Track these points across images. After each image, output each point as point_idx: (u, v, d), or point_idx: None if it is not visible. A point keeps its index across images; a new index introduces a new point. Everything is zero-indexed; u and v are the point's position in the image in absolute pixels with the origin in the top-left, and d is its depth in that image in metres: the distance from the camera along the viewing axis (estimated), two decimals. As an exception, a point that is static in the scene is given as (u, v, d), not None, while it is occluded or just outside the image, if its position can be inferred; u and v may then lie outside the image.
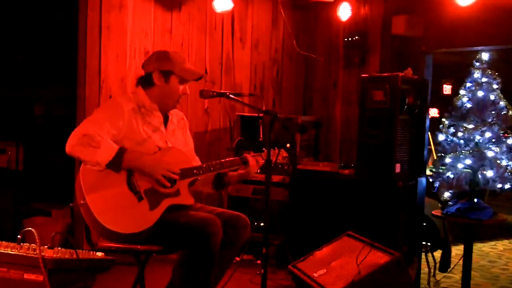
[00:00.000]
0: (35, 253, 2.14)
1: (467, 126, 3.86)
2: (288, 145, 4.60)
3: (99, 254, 2.44)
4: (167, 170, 2.66)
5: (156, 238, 2.65)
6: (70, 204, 2.56)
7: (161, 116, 2.86)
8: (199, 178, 2.90)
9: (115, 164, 2.55)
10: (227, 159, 2.93)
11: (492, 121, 3.84)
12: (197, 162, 2.98)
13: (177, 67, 2.81)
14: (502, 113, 3.87)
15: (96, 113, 2.72)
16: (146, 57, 2.98)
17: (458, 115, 3.95)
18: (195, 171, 2.79)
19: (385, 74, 3.93)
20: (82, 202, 2.52)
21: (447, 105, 4.11)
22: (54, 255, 2.17)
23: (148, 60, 2.89)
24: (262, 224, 3.77)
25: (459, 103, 3.97)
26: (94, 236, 2.80)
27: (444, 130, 3.99)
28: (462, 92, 3.99)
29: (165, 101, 2.84)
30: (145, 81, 2.84)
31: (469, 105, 3.92)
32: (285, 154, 3.00)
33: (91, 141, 2.51)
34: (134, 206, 2.61)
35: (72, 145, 2.54)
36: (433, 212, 4.05)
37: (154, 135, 2.78)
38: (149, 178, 2.66)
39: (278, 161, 2.94)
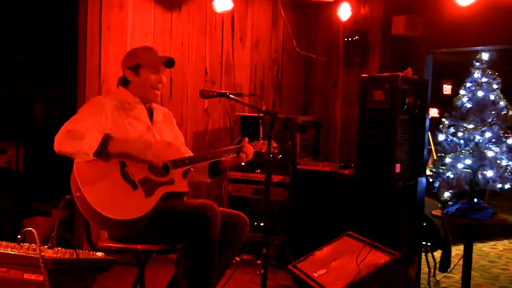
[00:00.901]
0: (35, 253, 2.14)
1: (467, 126, 3.87)
2: (288, 144, 4.62)
3: (99, 254, 2.44)
4: (158, 154, 2.65)
5: (154, 228, 2.66)
6: (67, 197, 2.55)
7: (145, 109, 2.90)
8: (191, 169, 2.90)
9: (102, 151, 2.55)
10: (220, 149, 2.95)
11: (492, 121, 3.84)
12: (189, 155, 2.98)
13: (142, 58, 2.87)
14: (502, 113, 3.87)
15: (79, 112, 2.74)
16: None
17: (458, 115, 3.95)
18: (187, 160, 2.81)
19: (385, 74, 3.93)
20: (78, 194, 2.52)
21: (447, 105, 4.11)
22: (54, 255, 2.17)
23: (121, 62, 2.96)
24: (262, 224, 3.77)
25: (459, 103, 3.97)
26: (94, 236, 2.80)
27: (444, 130, 3.99)
28: (462, 92, 3.99)
29: (142, 94, 2.88)
30: (123, 82, 2.93)
31: (469, 105, 3.92)
32: (275, 144, 3.01)
33: (76, 135, 2.53)
34: (129, 194, 2.61)
35: (58, 142, 2.55)
36: (433, 212, 4.05)
37: (141, 129, 2.82)
38: (142, 168, 2.66)
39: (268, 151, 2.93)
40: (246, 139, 2.97)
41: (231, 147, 2.97)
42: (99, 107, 2.74)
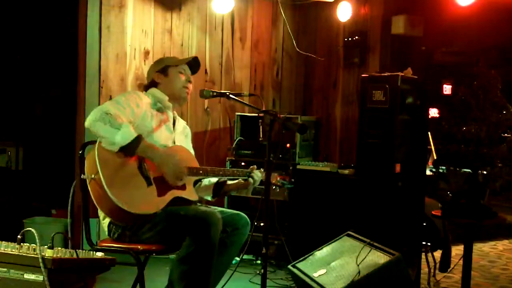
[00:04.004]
0: (35, 253, 2.14)
1: (467, 126, 3.86)
2: (288, 145, 4.62)
3: (99, 254, 2.43)
4: (176, 170, 2.72)
5: (156, 229, 2.67)
6: (82, 176, 2.57)
7: (172, 117, 2.99)
8: (203, 180, 2.98)
9: (130, 149, 2.61)
10: (232, 169, 3.08)
11: (492, 121, 3.83)
12: None
13: (169, 61, 3.04)
14: (503, 112, 3.86)
15: (119, 98, 2.80)
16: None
17: (458, 115, 3.95)
18: (201, 171, 2.87)
19: (385, 74, 3.93)
20: (93, 176, 2.54)
21: (447, 105, 4.11)
22: (54, 255, 2.17)
23: (148, 72, 3.09)
24: (262, 224, 3.77)
25: (459, 103, 3.97)
26: (94, 236, 2.80)
27: (444, 130, 3.98)
28: (462, 92, 3.99)
29: (172, 93, 2.96)
30: (151, 85, 3.00)
31: (469, 105, 3.92)
32: (278, 177, 3.08)
33: (113, 121, 2.59)
34: (143, 189, 2.66)
35: (93, 120, 2.60)
36: (433, 212, 4.04)
37: (163, 133, 2.87)
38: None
39: (275, 182, 3.03)
40: (255, 166, 3.04)
41: (243, 169, 3.03)
42: (138, 100, 2.81)
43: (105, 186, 2.52)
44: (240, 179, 3.02)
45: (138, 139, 2.62)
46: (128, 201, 2.56)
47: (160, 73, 2.97)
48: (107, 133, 2.57)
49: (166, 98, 2.94)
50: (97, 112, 2.61)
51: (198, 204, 2.97)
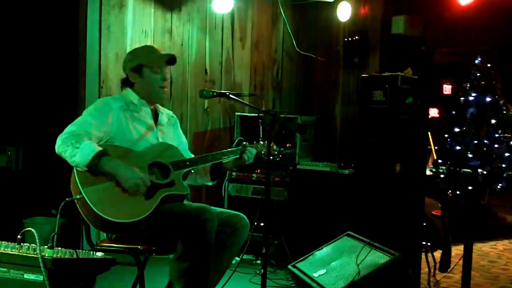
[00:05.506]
0: (35, 253, 2.14)
1: (467, 126, 3.87)
2: (288, 145, 4.62)
3: (99, 254, 2.43)
4: (141, 183, 2.61)
5: (152, 229, 2.66)
6: (67, 199, 2.55)
7: (150, 112, 2.91)
8: (192, 171, 2.92)
9: (92, 168, 2.54)
10: (221, 151, 2.96)
11: (492, 121, 3.84)
12: None
13: (144, 58, 2.87)
14: (503, 113, 3.87)
15: (85, 113, 2.75)
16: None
17: (458, 115, 3.95)
18: (188, 162, 2.82)
19: (385, 74, 3.94)
20: (78, 196, 2.53)
21: (447, 105, 4.11)
22: (54, 255, 2.17)
23: (123, 63, 2.96)
24: (262, 224, 3.77)
25: (459, 103, 3.98)
26: (94, 236, 2.81)
27: (444, 130, 3.99)
28: (462, 92, 4.00)
29: (149, 94, 2.89)
30: (127, 83, 2.92)
31: (469, 105, 3.92)
32: (275, 145, 3.03)
33: (75, 142, 2.54)
34: (129, 196, 2.61)
35: (58, 145, 2.58)
36: (433, 212, 4.05)
37: (145, 132, 2.83)
38: (143, 169, 2.67)
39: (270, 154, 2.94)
40: (246, 143, 3.00)
41: (232, 148, 2.98)
42: (106, 108, 2.75)
43: (91, 205, 2.50)
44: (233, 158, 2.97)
45: (96, 158, 2.52)
46: (116, 212, 2.54)
47: (135, 72, 2.86)
48: (69, 155, 2.53)
49: (136, 99, 2.85)
50: (61, 136, 2.57)
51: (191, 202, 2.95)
